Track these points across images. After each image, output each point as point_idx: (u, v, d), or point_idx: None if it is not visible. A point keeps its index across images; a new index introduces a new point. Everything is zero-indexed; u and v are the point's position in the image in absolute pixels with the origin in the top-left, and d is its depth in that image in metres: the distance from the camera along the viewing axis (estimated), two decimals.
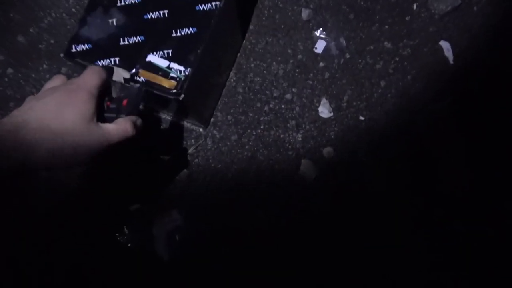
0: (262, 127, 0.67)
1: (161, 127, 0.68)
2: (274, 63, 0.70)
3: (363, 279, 0.61)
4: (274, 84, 0.69)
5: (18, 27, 0.71)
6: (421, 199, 0.64)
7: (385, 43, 0.70)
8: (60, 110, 0.36)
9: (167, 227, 0.64)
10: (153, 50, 0.50)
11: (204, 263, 0.62)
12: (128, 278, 0.61)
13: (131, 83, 0.49)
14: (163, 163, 0.66)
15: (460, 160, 0.65)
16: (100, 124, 0.39)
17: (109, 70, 0.48)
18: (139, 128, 0.43)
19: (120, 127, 0.40)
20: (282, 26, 0.71)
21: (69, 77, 0.68)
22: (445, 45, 0.70)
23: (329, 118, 0.68)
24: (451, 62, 0.69)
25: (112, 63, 0.50)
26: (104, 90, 0.43)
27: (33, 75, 0.69)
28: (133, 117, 0.43)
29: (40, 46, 0.71)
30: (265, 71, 0.70)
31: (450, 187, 0.64)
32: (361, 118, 0.67)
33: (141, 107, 0.46)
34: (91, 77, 0.41)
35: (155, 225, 0.64)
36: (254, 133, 0.67)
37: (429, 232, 0.63)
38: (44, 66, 0.70)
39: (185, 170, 0.66)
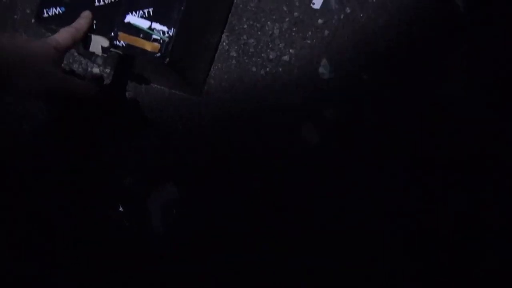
0: (259, 92, 0.63)
1: (151, 97, 0.63)
2: (268, 22, 0.64)
3: (365, 246, 0.59)
4: (270, 45, 0.64)
5: None
6: (423, 165, 0.60)
7: None
8: (27, 43, 0.38)
9: (163, 200, 0.62)
10: (131, 9, 0.45)
11: (202, 238, 0.60)
12: (123, 254, 0.59)
13: (112, 50, 0.45)
14: (155, 134, 0.62)
15: (471, 118, 0.60)
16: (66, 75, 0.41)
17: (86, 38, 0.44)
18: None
19: (87, 83, 0.43)
20: None
21: None
22: None
23: (330, 78, 0.63)
24: (462, 9, 0.63)
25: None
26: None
27: None
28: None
29: (15, 16, 0.65)
30: (259, 32, 0.64)
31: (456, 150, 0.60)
32: (365, 77, 0.63)
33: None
34: (62, 36, 0.42)
35: (150, 199, 0.61)
36: (251, 100, 0.63)
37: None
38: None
39: (179, 140, 0.62)
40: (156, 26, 0.45)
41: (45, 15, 0.47)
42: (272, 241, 0.59)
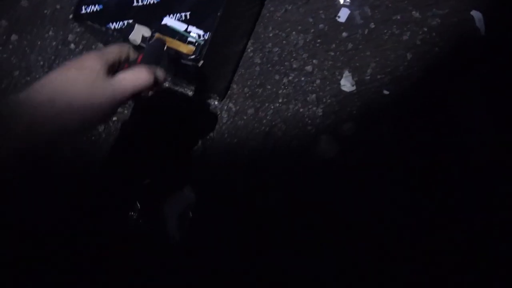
0: (280, 100, 0.64)
1: (174, 99, 0.64)
2: (293, 32, 0.66)
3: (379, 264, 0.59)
4: (294, 55, 0.65)
5: None
6: (443, 180, 0.61)
7: (413, 12, 0.66)
8: (66, 75, 0.33)
9: (180, 204, 0.62)
10: (169, 12, 0.47)
11: (217, 243, 0.60)
12: (138, 255, 0.59)
13: (148, 42, 0.46)
14: (175, 138, 0.63)
15: (489, 137, 0.61)
16: (111, 76, 0.34)
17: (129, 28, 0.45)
18: (160, 79, 0.38)
19: (135, 72, 0.35)
20: None
21: (76, 44, 0.64)
22: (476, 15, 0.66)
23: (352, 92, 0.64)
24: (483, 33, 0.65)
25: (125, 25, 0.46)
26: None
27: (39, 42, 0.65)
28: (151, 66, 0.37)
29: (45, 11, 0.66)
30: (284, 41, 0.65)
31: (476, 165, 0.61)
32: (385, 92, 0.64)
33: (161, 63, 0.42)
34: (110, 49, 0.37)
35: (167, 202, 0.61)
36: (272, 107, 0.64)
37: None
38: (50, 33, 0.66)
39: (199, 145, 0.63)
40: (192, 29, 0.46)
41: (83, 11, 0.48)
42: (287, 248, 0.59)
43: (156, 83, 0.37)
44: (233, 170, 0.62)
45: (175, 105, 0.64)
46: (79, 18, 0.48)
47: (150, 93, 0.63)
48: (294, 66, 0.65)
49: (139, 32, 0.45)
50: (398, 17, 0.65)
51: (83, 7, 0.48)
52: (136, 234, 0.61)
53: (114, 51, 0.37)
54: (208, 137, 0.63)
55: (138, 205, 0.61)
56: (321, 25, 0.66)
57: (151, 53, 0.41)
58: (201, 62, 0.45)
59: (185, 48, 0.45)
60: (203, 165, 0.63)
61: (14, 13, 0.66)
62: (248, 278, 0.59)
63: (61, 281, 0.59)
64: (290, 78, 0.64)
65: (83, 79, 0.32)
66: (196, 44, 0.45)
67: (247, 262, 0.59)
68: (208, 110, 0.64)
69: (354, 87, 0.64)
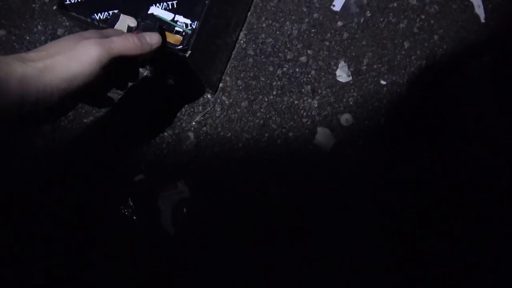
0: (274, 92, 0.62)
1: (165, 93, 0.63)
2: (287, 22, 0.64)
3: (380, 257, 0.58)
4: (288, 45, 0.63)
5: None
6: (443, 174, 0.59)
7: None
8: (61, 40, 0.35)
9: (174, 199, 0.61)
10: (155, 1, 0.45)
11: (212, 237, 0.59)
12: (133, 252, 0.58)
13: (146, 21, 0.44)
14: (168, 132, 0.62)
15: (491, 125, 0.59)
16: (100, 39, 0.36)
17: (115, 17, 0.43)
18: (149, 45, 0.39)
19: (124, 36, 0.37)
20: None
21: None
22: (475, 1, 0.64)
23: (348, 82, 0.62)
24: (483, 20, 0.63)
25: (110, 16, 0.45)
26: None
27: (27, 37, 0.64)
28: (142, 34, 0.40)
29: (33, 5, 0.65)
30: (277, 32, 0.64)
31: (478, 162, 0.59)
32: (382, 82, 0.62)
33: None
34: (107, 29, 0.40)
35: (161, 197, 0.60)
36: (266, 99, 0.62)
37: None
38: (39, 27, 0.64)
39: (192, 139, 0.61)
40: (180, 18, 0.44)
41: (67, 2, 0.46)
42: (283, 240, 0.58)
43: (146, 50, 0.39)
44: (227, 164, 0.61)
45: (165, 98, 0.62)
46: (63, 8, 0.46)
47: (146, 70, 0.62)
48: (289, 57, 0.63)
49: (125, 22, 0.44)
50: (395, 5, 0.64)
51: None
52: (130, 231, 0.60)
53: (110, 30, 0.40)
54: (201, 131, 0.62)
55: (131, 202, 0.59)
56: (315, 14, 0.64)
57: (146, 29, 0.42)
58: (189, 52, 0.44)
59: (172, 38, 0.44)
60: (197, 159, 0.61)
61: (2, 7, 0.65)
62: (242, 270, 0.58)
63: (57, 281, 0.58)
64: (284, 69, 0.63)
65: (73, 38, 0.35)
66: (184, 33, 0.44)
67: (243, 255, 0.58)
68: (201, 103, 0.62)
69: (350, 78, 0.62)
